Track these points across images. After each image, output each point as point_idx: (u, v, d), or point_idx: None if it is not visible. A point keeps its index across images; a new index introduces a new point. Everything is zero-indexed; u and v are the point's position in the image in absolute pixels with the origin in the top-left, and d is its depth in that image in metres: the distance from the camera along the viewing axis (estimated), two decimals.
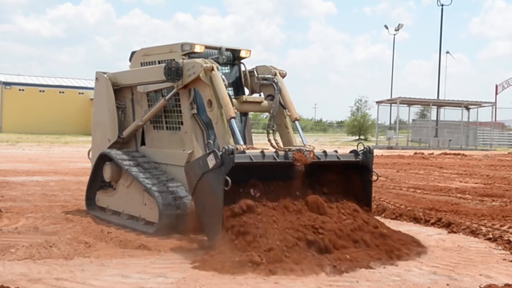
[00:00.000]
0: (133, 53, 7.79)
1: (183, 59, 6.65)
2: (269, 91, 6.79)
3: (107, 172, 7.42)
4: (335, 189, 6.08)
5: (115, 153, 7.28)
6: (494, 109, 44.82)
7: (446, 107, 44.12)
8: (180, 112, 6.78)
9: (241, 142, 5.90)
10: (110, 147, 7.65)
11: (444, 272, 5.01)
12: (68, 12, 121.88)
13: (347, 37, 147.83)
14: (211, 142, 5.87)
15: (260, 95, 7.03)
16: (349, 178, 6.25)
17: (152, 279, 4.61)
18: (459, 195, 10.70)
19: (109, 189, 7.68)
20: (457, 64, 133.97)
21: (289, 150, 5.82)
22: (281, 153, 5.75)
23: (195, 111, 6.64)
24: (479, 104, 42.25)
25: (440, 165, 19.34)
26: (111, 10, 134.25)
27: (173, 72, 6.41)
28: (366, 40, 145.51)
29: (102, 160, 7.58)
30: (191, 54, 6.74)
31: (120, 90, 7.83)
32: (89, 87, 48.70)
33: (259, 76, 6.89)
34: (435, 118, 44.12)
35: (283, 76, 6.87)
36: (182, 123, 6.79)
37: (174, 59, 6.51)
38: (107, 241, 6.00)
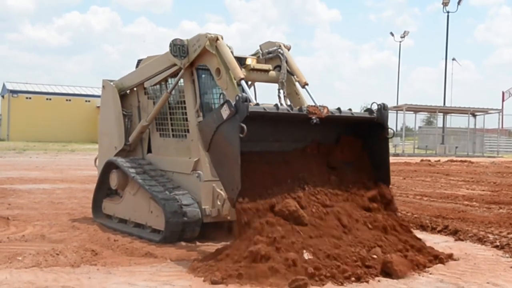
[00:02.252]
0: (139, 61, 7.84)
1: None
2: (275, 63, 6.69)
3: (114, 180, 7.44)
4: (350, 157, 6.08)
5: (122, 161, 7.31)
6: (501, 116, 44.77)
7: (452, 114, 44.03)
8: (187, 120, 6.81)
9: (254, 100, 5.78)
10: (117, 154, 7.68)
11: (451, 280, 4.99)
12: (74, 20, 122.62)
13: (352, 44, 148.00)
14: (225, 93, 5.81)
15: None
16: (365, 143, 6.20)
17: (158, 287, 4.61)
18: (466, 202, 10.65)
19: (115, 197, 7.70)
20: (463, 70, 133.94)
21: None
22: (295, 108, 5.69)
23: (201, 119, 6.66)
24: (485, 111, 42.13)
25: (446, 172, 19.27)
26: (118, 19, 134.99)
27: (179, 49, 6.44)
28: (371, 47, 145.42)
29: (108, 167, 7.60)
30: None
31: (127, 98, 7.88)
32: (96, 95, 48.91)
33: (264, 51, 6.84)
34: (441, 125, 44.03)
35: (288, 48, 6.80)
36: (188, 131, 6.81)
37: (178, 38, 6.54)
38: (114, 249, 6.02)
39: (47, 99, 51.06)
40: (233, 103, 5.19)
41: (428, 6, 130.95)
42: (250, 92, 5.97)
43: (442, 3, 47.81)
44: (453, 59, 59.30)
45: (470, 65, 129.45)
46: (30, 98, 50.53)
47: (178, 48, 6.45)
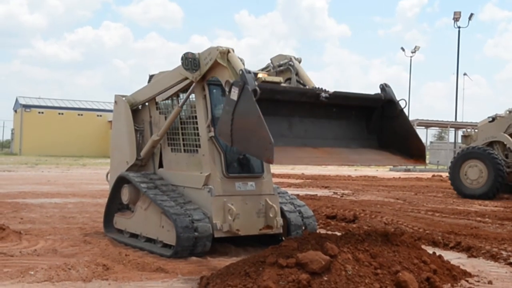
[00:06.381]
0: (151, 76, 7.90)
1: None
2: (287, 76, 6.74)
3: (125, 195, 7.47)
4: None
5: (133, 176, 7.34)
6: None
7: (464, 129, 43.75)
8: (198, 134, 6.84)
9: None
10: (128, 169, 7.71)
11: None
12: (86, 36, 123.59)
13: (362, 59, 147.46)
14: (230, 80, 5.88)
15: None
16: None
17: None
18: (478, 218, 10.57)
19: (127, 212, 7.72)
20: (474, 85, 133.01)
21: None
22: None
23: (212, 133, 6.69)
24: None
25: None
26: (129, 34, 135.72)
27: (190, 62, 6.48)
28: (381, 63, 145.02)
29: (120, 182, 7.64)
30: None
31: (139, 113, 7.93)
32: (107, 109, 49.27)
33: (275, 64, 6.88)
34: (453, 141, 43.78)
35: (299, 61, 6.85)
36: (199, 146, 6.83)
37: (189, 52, 6.59)
38: (125, 264, 6.02)
39: (59, 113, 51.48)
40: (238, 80, 5.27)
41: (437, 21, 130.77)
42: None
43: (453, 18, 47.82)
44: (464, 74, 58.92)
45: (481, 80, 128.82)
46: (42, 112, 50.98)
47: (189, 61, 6.50)
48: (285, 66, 6.71)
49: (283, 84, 6.57)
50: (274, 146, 4.93)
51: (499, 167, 15.21)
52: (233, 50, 6.32)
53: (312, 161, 5.73)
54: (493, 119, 16.45)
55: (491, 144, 16.23)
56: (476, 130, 17.48)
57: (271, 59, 7.06)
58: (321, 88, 5.93)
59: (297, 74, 6.59)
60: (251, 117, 5.16)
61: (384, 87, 6.18)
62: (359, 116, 6.33)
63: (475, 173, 15.62)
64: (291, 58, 6.76)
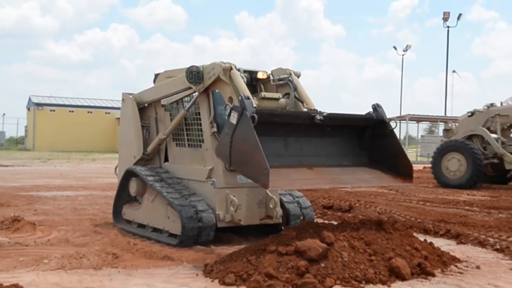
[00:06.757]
0: (156, 75, 7.90)
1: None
2: (285, 91, 6.75)
3: (133, 187, 7.49)
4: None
5: (140, 169, 7.36)
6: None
7: (453, 123, 43.71)
8: (201, 130, 6.85)
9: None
10: (136, 163, 7.73)
11: (454, 282, 4.96)
12: (95, 37, 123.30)
13: (357, 58, 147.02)
14: (229, 104, 5.90)
15: None
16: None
17: None
18: (467, 207, 10.59)
19: (134, 203, 7.74)
20: (462, 82, 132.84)
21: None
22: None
23: (215, 129, 6.70)
24: None
25: None
26: (135, 36, 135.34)
27: (194, 75, 6.49)
28: (375, 61, 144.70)
29: (128, 176, 7.66)
30: None
31: (145, 110, 7.94)
32: (115, 107, 49.22)
33: (275, 78, 6.91)
34: (442, 134, 43.79)
35: (298, 76, 6.86)
36: (203, 141, 6.84)
37: (194, 65, 6.59)
38: (133, 252, 6.05)
39: (70, 111, 51.45)
40: (237, 105, 5.31)
41: (427, 21, 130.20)
42: None
43: (443, 19, 47.82)
44: (454, 71, 58.70)
45: (469, 77, 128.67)
46: (54, 110, 50.96)
47: (193, 74, 6.49)
48: (284, 81, 6.71)
49: (282, 99, 6.59)
50: (270, 167, 4.98)
51: (477, 158, 15.27)
52: (235, 67, 6.34)
53: (305, 184, 5.82)
54: (472, 113, 16.52)
55: (470, 137, 16.28)
56: (456, 124, 17.52)
57: (272, 71, 7.07)
58: (316, 110, 6.00)
59: (295, 90, 6.60)
60: (249, 142, 5.22)
61: (376, 108, 6.22)
62: (351, 134, 6.38)
63: (455, 165, 15.69)
64: (290, 73, 6.77)
